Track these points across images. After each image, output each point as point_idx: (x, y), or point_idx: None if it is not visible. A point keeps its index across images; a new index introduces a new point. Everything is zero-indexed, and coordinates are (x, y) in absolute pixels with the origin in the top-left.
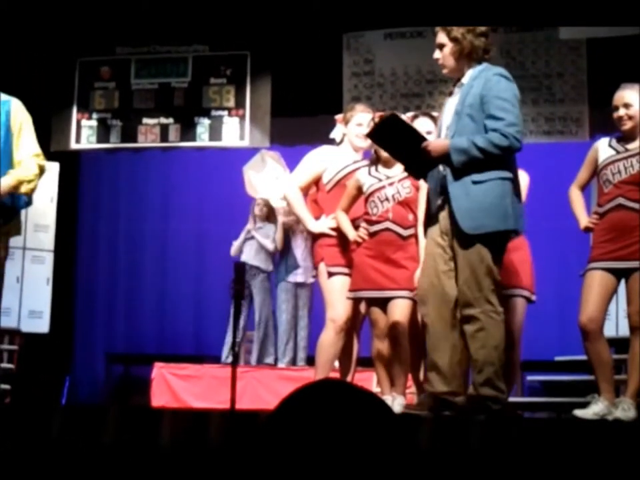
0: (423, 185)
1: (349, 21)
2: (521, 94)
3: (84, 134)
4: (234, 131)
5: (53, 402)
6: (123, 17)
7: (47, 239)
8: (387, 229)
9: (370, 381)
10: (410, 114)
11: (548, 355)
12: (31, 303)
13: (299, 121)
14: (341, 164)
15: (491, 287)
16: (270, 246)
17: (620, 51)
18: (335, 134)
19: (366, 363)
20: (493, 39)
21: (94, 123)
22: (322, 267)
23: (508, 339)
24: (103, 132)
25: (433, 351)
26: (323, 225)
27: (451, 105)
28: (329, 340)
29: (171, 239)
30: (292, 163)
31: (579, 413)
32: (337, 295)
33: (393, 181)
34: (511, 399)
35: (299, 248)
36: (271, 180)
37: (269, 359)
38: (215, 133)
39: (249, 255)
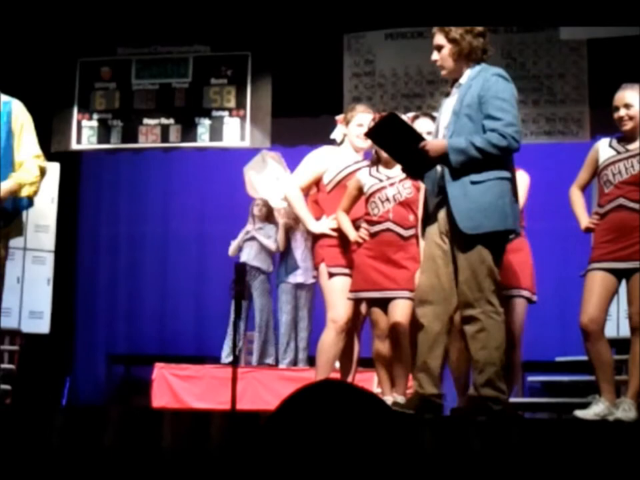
0: (424, 186)
1: (350, 22)
2: (522, 95)
3: (84, 134)
4: (235, 132)
5: (53, 403)
6: (124, 17)
7: (48, 240)
8: (388, 230)
9: (371, 381)
10: (411, 114)
11: (549, 355)
12: (32, 303)
13: (300, 121)
14: (341, 164)
15: (492, 287)
16: (272, 246)
17: (621, 51)
18: (336, 134)
19: (367, 363)
20: (493, 40)
21: (94, 123)
22: (322, 268)
23: (509, 340)
24: (104, 132)
25: (427, 353)
26: (323, 226)
27: (448, 105)
28: (330, 340)
29: (171, 240)
30: (293, 164)
31: (579, 413)
32: (338, 296)
33: (394, 181)
34: (512, 400)
35: (299, 248)
36: (271, 180)
37: (270, 360)
38: (215, 133)
39: (249, 256)
